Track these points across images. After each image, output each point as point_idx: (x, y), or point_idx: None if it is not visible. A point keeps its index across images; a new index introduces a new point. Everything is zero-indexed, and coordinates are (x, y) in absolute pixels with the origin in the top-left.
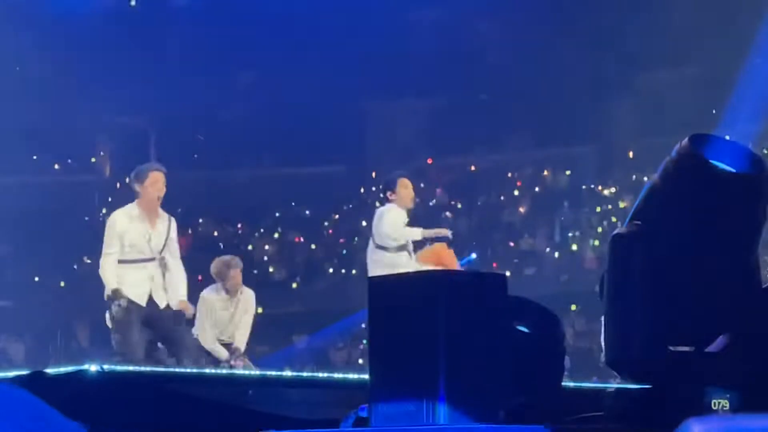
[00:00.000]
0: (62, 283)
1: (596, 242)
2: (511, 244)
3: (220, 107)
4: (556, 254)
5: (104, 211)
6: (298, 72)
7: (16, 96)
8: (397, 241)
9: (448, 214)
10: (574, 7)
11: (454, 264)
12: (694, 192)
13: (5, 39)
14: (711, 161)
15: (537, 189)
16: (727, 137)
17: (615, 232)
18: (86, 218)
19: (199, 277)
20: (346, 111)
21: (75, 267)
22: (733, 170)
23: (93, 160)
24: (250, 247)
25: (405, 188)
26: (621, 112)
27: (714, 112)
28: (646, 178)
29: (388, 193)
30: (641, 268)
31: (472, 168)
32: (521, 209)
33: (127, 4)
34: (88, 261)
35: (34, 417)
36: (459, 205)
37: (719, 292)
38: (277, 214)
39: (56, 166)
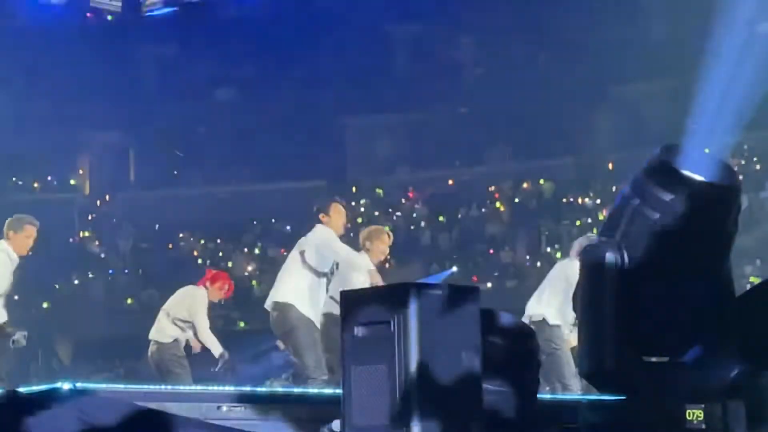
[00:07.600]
0: (45, 304)
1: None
2: (491, 253)
3: (199, 123)
4: (538, 264)
5: (86, 233)
6: (277, 87)
7: None
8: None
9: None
10: (552, 21)
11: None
12: (665, 202)
13: None
14: (681, 171)
15: (517, 200)
16: (707, 150)
17: (587, 244)
18: (70, 239)
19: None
20: (325, 126)
21: (57, 287)
22: (704, 180)
23: (72, 179)
24: (230, 264)
25: (338, 213)
26: (601, 124)
27: (694, 125)
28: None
29: (321, 216)
30: (613, 280)
31: (450, 182)
32: (501, 222)
33: (104, 19)
34: (76, 282)
35: None
36: (440, 218)
37: (692, 302)
38: (257, 230)
39: (36, 185)
